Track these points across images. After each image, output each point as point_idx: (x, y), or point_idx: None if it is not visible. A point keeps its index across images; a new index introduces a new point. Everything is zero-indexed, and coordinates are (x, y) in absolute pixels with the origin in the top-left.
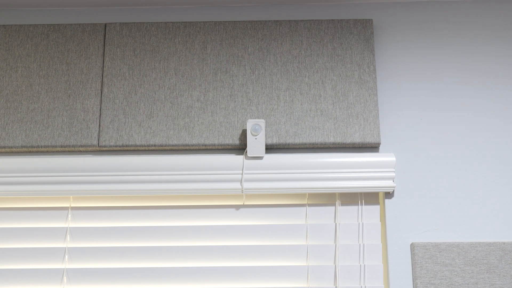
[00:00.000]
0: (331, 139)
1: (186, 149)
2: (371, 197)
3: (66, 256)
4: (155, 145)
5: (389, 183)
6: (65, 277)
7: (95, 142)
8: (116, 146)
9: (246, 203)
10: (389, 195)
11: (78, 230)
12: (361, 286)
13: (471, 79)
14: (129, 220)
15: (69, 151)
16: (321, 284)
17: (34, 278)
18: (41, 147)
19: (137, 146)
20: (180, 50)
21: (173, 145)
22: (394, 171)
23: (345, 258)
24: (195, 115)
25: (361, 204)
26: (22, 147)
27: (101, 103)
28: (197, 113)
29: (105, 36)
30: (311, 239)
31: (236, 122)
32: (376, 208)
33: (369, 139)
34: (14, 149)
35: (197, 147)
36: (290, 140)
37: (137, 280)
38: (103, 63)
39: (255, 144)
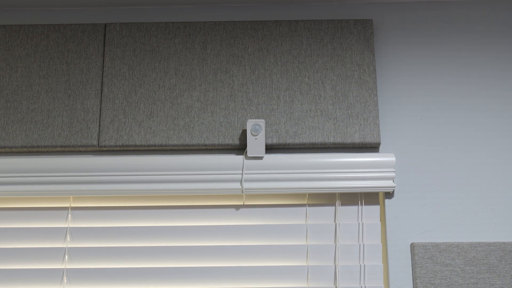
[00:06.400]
0: (331, 139)
1: (186, 149)
2: (371, 197)
3: (66, 256)
4: (155, 145)
5: (389, 183)
6: (65, 277)
7: (95, 142)
8: (116, 146)
9: (246, 203)
10: (389, 195)
11: (78, 230)
12: (361, 286)
13: (471, 79)
14: (129, 220)
15: (69, 151)
16: (321, 284)
17: (34, 278)
18: (41, 147)
19: (137, 146)
20: (180, 50)
21: (173, 145)
22: (394, 171)
23: (345, 258)
24: (195, 115)
25: (361, 204)
26: (22, 147)
27: (101, 103)
28: (197, 113)
29: (105, 36)
30: (311, 239)
31: (236, 122)
32: (376, 208)
33: (369, 139)
34: (14, 149)
35: (197, 147)
36: (290, 140)
37: (137, 280)
38: (103, 63)
39: (255, 144)
